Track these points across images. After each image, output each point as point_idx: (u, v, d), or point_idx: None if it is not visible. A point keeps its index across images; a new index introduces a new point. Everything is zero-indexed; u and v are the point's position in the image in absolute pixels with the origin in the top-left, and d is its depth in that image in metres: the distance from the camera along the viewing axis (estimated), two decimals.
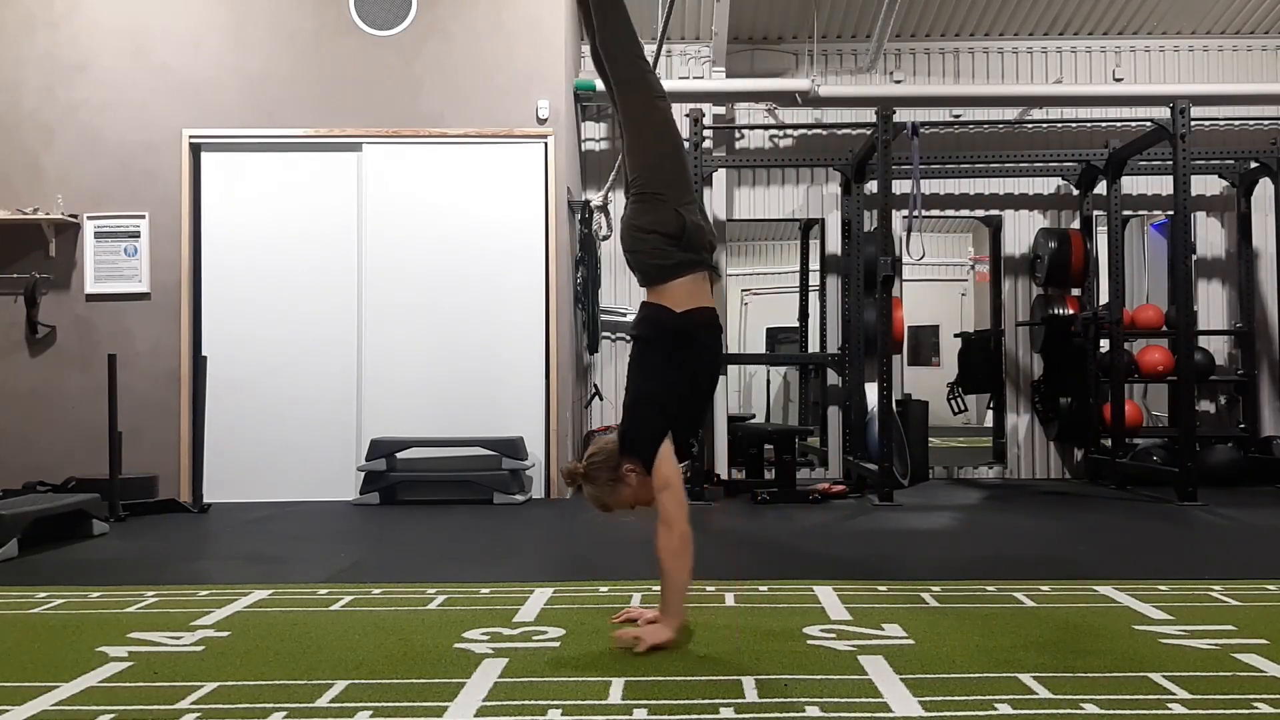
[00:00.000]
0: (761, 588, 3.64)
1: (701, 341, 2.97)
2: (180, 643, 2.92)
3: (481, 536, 5.12)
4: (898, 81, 7.89)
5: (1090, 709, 2.23)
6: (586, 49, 6.54)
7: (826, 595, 3.48)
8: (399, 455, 6.39)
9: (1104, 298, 7.52)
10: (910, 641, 2.85)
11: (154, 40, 6.73)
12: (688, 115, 7.02)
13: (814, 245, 8.38)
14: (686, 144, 7.12)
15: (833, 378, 7.68)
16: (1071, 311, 7.46)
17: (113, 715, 2.28)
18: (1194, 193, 6.62)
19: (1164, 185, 7.44)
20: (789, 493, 6.37)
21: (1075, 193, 7.71)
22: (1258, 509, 5.92)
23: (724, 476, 7.27)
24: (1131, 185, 7.59)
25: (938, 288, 14.82)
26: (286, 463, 6.59)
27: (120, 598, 3.61)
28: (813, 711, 2.24)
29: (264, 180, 6.74)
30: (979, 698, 2.32)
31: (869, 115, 6.77)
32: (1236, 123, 7.73)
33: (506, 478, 6.33)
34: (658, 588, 3.00)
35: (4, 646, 2.93)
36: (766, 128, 7.87)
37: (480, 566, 4.24)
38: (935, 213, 7.85)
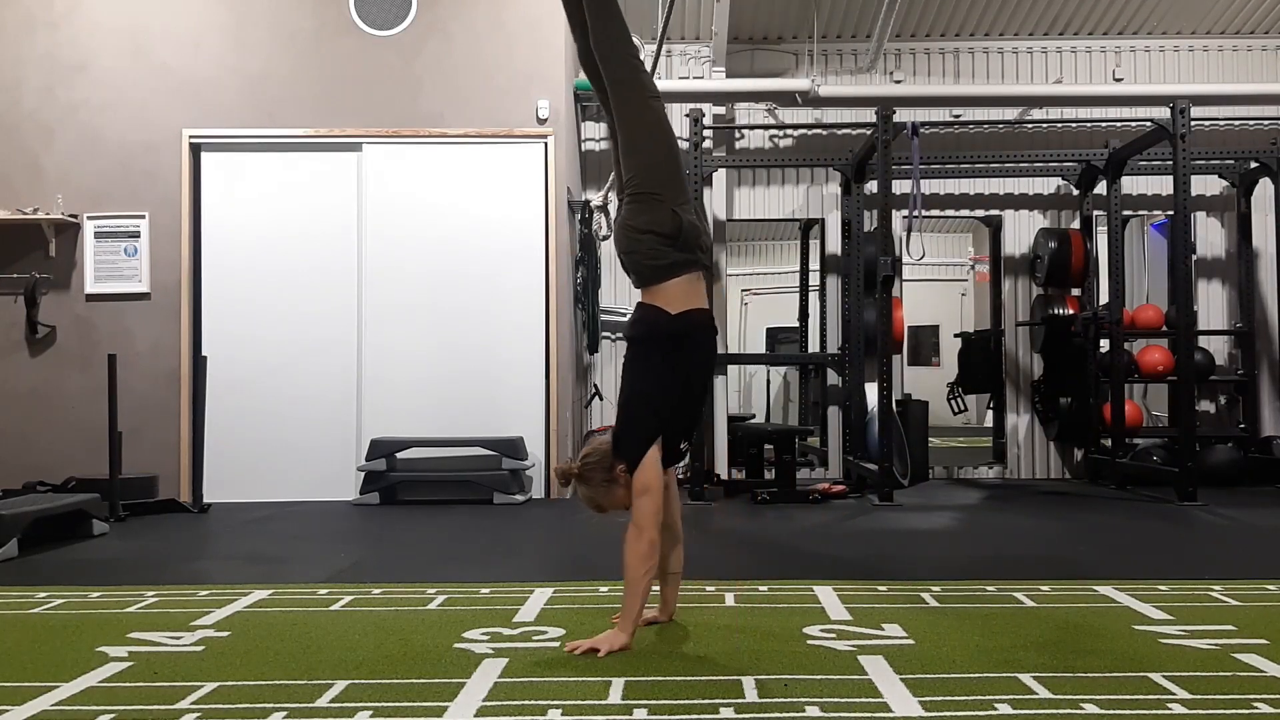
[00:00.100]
0: (761, 588, 3.64)
1: (696, 343, 2.97)
2: (180, 643, 2.92)
3: (481, 536, 5.12)
4: (898, 81, 7.89)
5: (1090, 709, 2.23)
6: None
7: (826, 595, 3.48)
8: (399, 455, 6.39)
9: (1104, 298, 7.52)
10: (910, 641, 2.85)
11: (154, 40, 6.73)
12: (687, 115, 7.03)
13: (814, 245, 8.38)
14: (686, 144, 7.12)
15: (833, 378, 7.69)
16: (1071, 311, 7.46)
17: (113, 715, 2.28)
18: (1194, 193, 6.63)
19: (1164, 185, 7.44)
20: (789, 493, 6.37)
21: (1075, 193, 7.71)
22: (1258, 509, 5.92)
23: (724, 476, 7.28)
24: (1131, 185, 7.59)
25: (938, 288, 14.81)
26: (286, 463, 6.59)
27: (120, 598, 3.61)
28: (813, 711, 2.24)
29: (264, 180, 6.74)
30: (979, 698, 2.32)
31: (869, 115, 6.77)
32: (1236, 123, 7.73)
33: (506, 478, 6.33)
34: (656, 588, 3.01)
35: (4, 646, 2.93)
36: (766, 128, 7.87)
37: (480, 566, 4.24)
38: (935, 213, 7.86)
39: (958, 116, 7.72)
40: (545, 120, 6.74)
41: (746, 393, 13.49)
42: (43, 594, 3.69)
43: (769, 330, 13.58)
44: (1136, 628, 2.99)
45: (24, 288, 6.57)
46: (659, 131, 3.03)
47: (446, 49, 6.76)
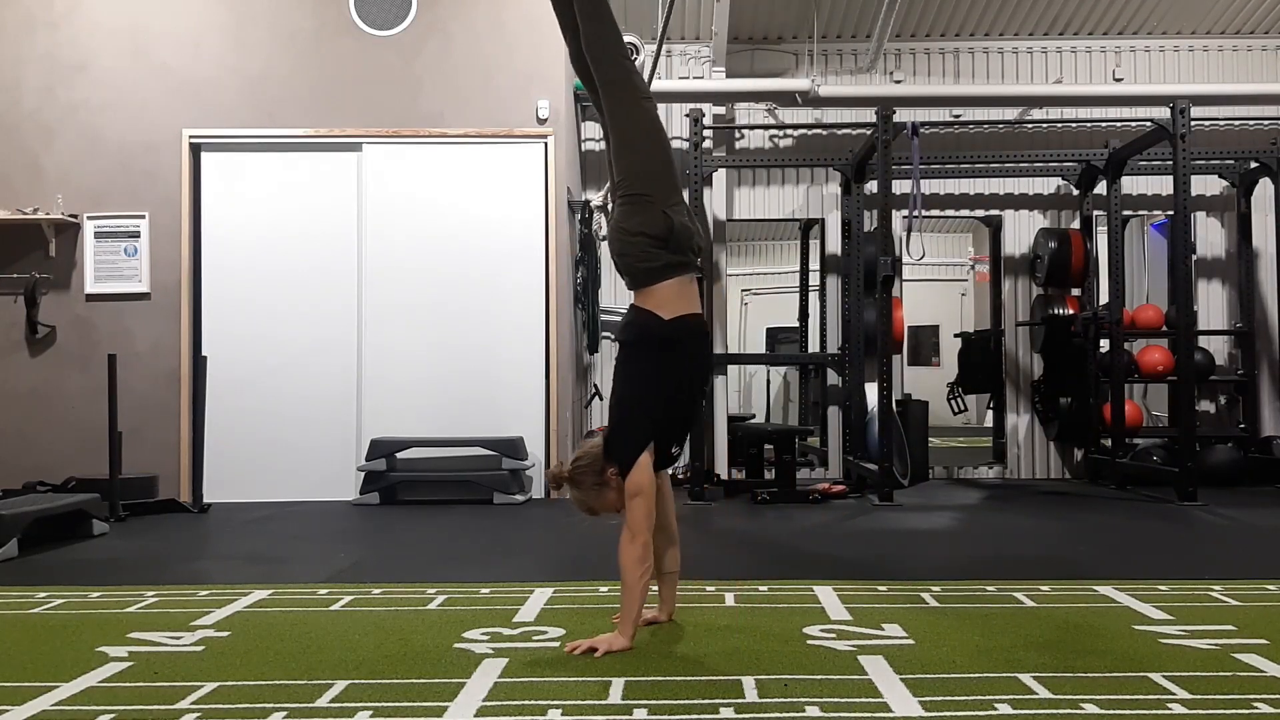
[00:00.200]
0: (761, 588, 3.64)
1: (689, 349, 2.96)
2: (180, 643, 2.93)
3: (481, 536, 5.13)
4: (898, 81, 7.90)
5: (1090, 709, 2.23)
6: None
7: (826, 595, 3.48)
8: (399, 455, 6.39)
9: (1104, 298, 7.52)
10: (910, 641, 2.85)
11: (154, 40, 6.73)
12: (688, 115, 7.04)
13: (814, 245, 8.38)
14: (686, 144, 7.14)
15: (833, 378, 7.69)
16: (1071, 311, 7.46)
17: (113, 715, 2.28)
18: (1194, 193, 6.63)
19: (1164, 185, 7.45)
20: (789, 493, 6.37)
21: (1075, 193, 7.71)
22: (1258, 509, 5.92)
23: (724, 476, 7.28)
24: (1131, 185, 7.59)
25: (938, 288, 14.81)
26: (286, 463, 6.59)
27: (120, 598, 3.61)
28: (813, 711, 2.24)
29: (264, 180, 6.74)
30: (979, 698, 2.32)
31: (869, 115, 6.77)
32: (1236, 123, 7.73)
33: (506, 478, 6.33)
34: (654, 589, 3.01)
35: (4, 646, 2.93)
36: (766, 128, 7.87)
37: (480, 566, 4.24)
38: (935, 213, 7.86)
39: (958, 116, 7.72)
40: (545, 120, 6.74)
41: (746, 393, 13.49)
42: (43, 594, 3.69)
43: (769, 330, 13.59)
44: (1136, 628, 2.99)
45: (24, 288, 6.57)
46: (651, 132, 3.03)
47: (446, 49, 6.76)
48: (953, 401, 8.98)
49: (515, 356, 6.66)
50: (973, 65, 7.95)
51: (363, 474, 6.42)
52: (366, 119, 6.71)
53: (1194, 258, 7.24)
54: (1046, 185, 7.85)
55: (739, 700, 2.33)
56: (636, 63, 6.92)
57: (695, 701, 2.32)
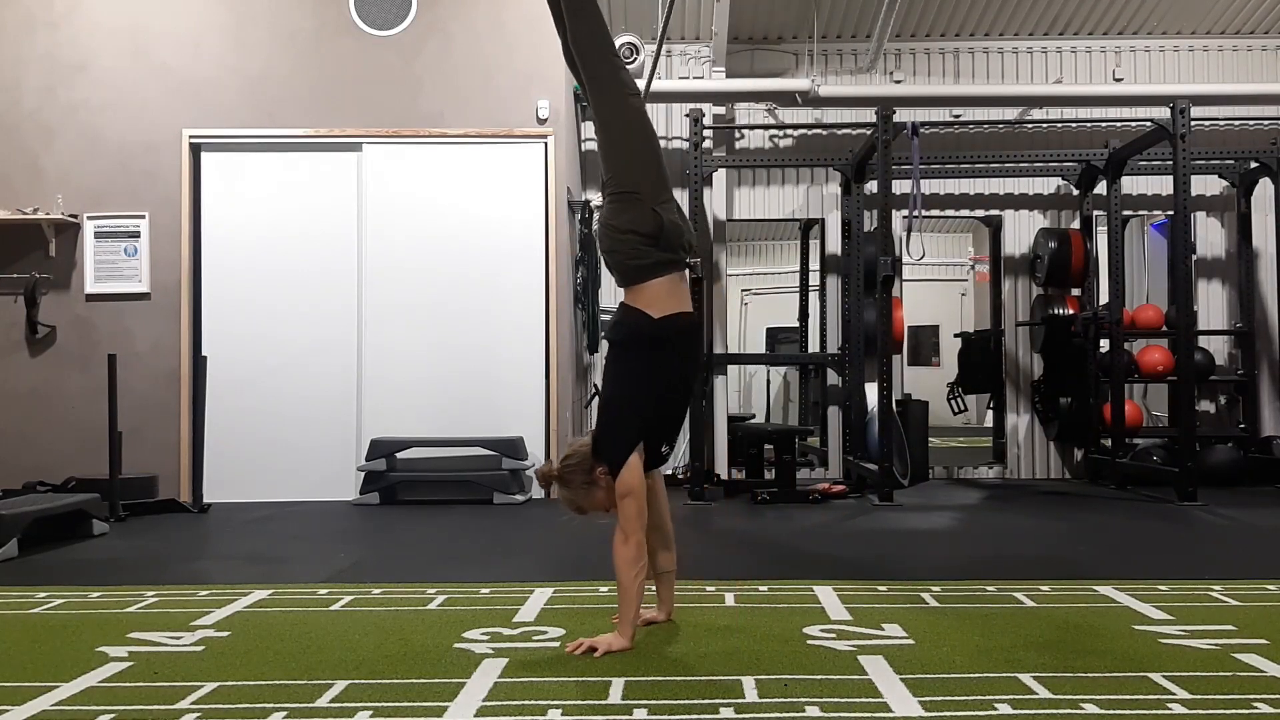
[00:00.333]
0: (761, 588, 3.63)
1: (679, 348, 2.95)
2: (180, 643, 2.92)
3: (481, 536, 5.13)
4: (898, 81, 7.89)
5: (1090, 709, 2.23)
6: None
7: (826, 595, 3.48)
8: (399, 455, 6.39)
9: (1104, 298, 7.52)
10: (910, 641, 2.85)
11: (154, 40, 6.73)
12: (688, 115, 7.04)
13: (814, 245, 8.38)
14: (686, 144, 7.14)
15: (833, 378, 7.69)
16: (1071, 311, 7.46)
17: (113, 715, 2.28)
18: (1194, 193, 6.63)
19: (1164, 185, 7.45)
20: (789, 493, 6.37)
21: (1075, 193, 7.71)
22: (1258, 509, 5.92)
23: (724, 476, 7.28)
24: (1131, 185, 7.59)
25: (938, 288, 14.81)
26: (286, 463, 6.59)
27: (120, 598, 3.61)
28: (813, 711, 2.24)
29: (264, 180, 6.74)
30: (979, 698, 2.32)
31: (869, 115, 6.77)
32: (1236, 123, 7.73)
33: (506, 478, 6.33)
34: (652, 589, 3.01)
35: (4, 646, 2.93)
36: (766, 128, 7.87)
37: (480, 566, 4.24)
38: (935, 213, 7.86)
39: (958, 116, 7.72)
40: (545, 120, 6.74)
41: (746, 393, 13.49)
42: (43, 594, 3.69)
43: (769, 330, 13.58)
44: (1136, 628, 2.99)
45: (24, 288, 6.56)
46: (638, 129, 3.01)
47: (446, 49, 6.76)
48: (953, 401, 8.98)
49: (515, 356, 6.66)
50: (973, 65, 7.95)
51: (363, 474, 6.42)
52: (366, 119, 6.71)
53: (1194, 258, 7.24)
54: (1046, 185, 7.85)
55: (739, 700, 2.33)
56: (636, 63, 6.93)
57: (695, 701, 2.32)
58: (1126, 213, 7.53)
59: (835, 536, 5.06)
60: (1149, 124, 6.67)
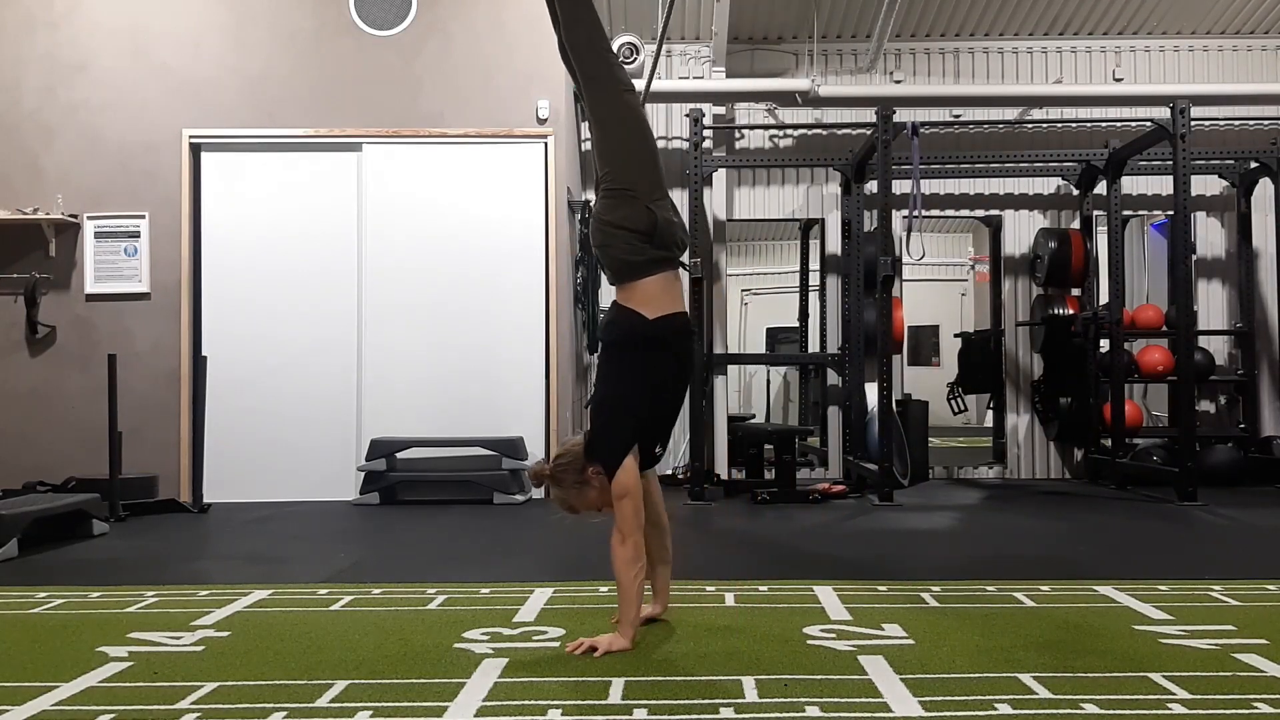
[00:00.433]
0: (761, 588, 3.63)
1: (673, 349, 2.94)
2: (180, 643, 2.92)
3: (481, 536, 5.13)
4: (898, 81, 7.89)
5: (1090, 709, 2.23)
6: None
7: (826, 595, 3.48)
8: (399, 455, 6.39)
9: (1104, 298, 7.52)
10: (910, 641, 2.85)
11: (154, 40, 6.73)
12: (688, 115, 7.04)
13: (814, 245, 8.38)
14: (686, 144, 7.14)
15: (833, 378, 7.68)
16: (1071, 311, 7.46)
17: (113, 715, 2.28)
18: (1194, 193, 6.63)
19: (1164, 185, 7.44)
20: (789, 493, 6.37)
21: (1075, 193, 7.71)
22: (1258, 509, 5.92)
23: (724, 476, 7.28)
24: (1131, 185, 7.59)
25: (938, 288, 14.82)
26: (286, 463, 6.59)
27: (120, 598, 3.61)
28: (813, 711, 2.24)
29: (264, 180, 6.74)
30: (979, 698, 2.32)
31: (869, 115, 6.77)
32: (1236, 123, 7.73)
33: (506, 478, 6.33)
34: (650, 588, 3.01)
35: (4, 646, 2.93)
36: (766, 128, 7.87)
37: (480, 566, 4.24)
38: (935, 213, 7.86)
39: (958, 116, 7.72)
40: (545, 120, 6.74)
41: (746, 393, 13.50)
42: (43, 594, 3.69)
43: (769, 330, 13.59)
44: (1136, 628, 2.99)
45: (24, 288, 6.56)
46: (634, 126, 3.00)
47: (446, 49, 6.76)
48: (953, 401, 8.98)
49: (515, 356, 6.66)
50: (973, 65, 7.95)
51: (363, 474, 6.42)
52: (366, 119, 6.71)
53: (1194, 258, 7.24)
54: (1046, 185, 7.85)
55: (739, 700, 2.33)
56: (636, 63, 6.92)
57: (695, 701, 2.32)
58: (1126, 213, 7.53)
59: (835, 536, 5.06)
60: (1149, 124, 6.67)
